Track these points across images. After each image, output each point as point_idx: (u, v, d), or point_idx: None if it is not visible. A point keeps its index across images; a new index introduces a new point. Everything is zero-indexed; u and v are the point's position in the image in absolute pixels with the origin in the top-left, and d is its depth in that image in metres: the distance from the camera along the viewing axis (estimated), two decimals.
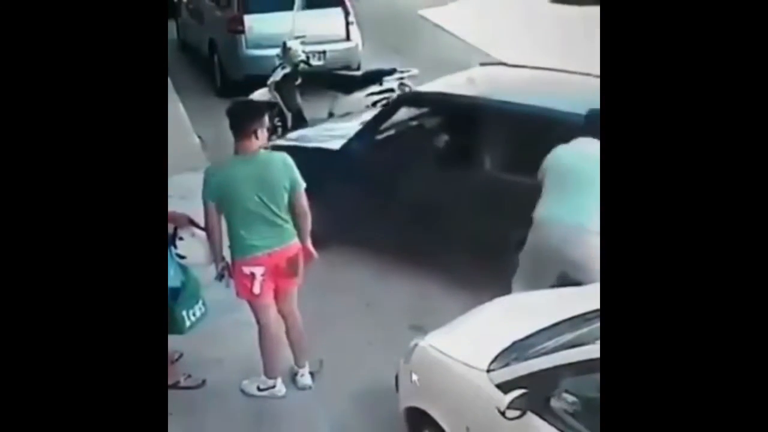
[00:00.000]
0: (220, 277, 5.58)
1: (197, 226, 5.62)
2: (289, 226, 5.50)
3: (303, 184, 5.47)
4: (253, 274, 5.45)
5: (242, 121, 5.39)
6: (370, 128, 7.62)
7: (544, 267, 5.80)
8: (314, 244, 5.66)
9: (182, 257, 5.59)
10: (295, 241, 5.54)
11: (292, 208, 5.47)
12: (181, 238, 5.58)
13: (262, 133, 5.46)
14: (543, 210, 5.81)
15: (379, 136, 7.64)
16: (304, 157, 5.69)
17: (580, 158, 5.63)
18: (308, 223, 5.57)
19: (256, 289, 5.48)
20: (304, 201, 5.49)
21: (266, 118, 5.64)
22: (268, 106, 9.05)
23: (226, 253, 5.56)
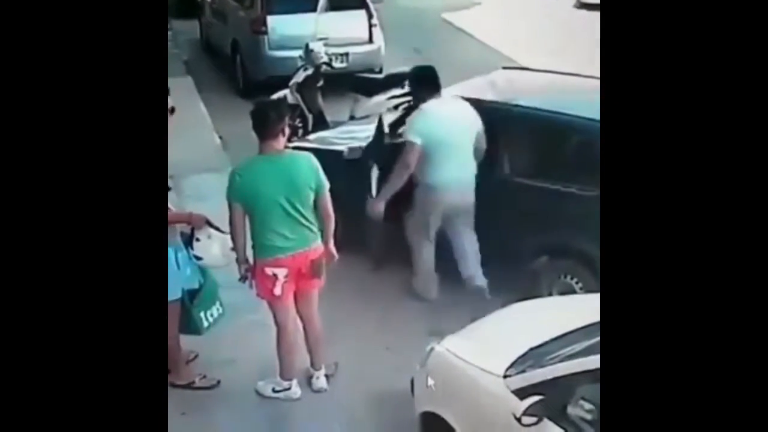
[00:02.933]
0: (243, 278, 5.57)
1: (214, 227, 5.62)
2: (314, 228, 5.48)
3: (327, 185, 5.46)
4: (275, 276, 5.43)
5: (269, 120, 5.37)
6: (390, 131, 7.59)
7: (437, 219, 6.71)
8: (334, 246, 5.66)
9: (199, 258, 5.59)
10: (318, 244, 5.53)
11: (317, 209, 5.47)
12: (197, 240, 5.58)
13: (286, 132, 5.46)
14: (437, 175, 6.56)
15: (399, 140, 7.60)
16: (324, 159, 5.67)
17: (441, 124, 6.54)
18: (332, 224, 5.57)
19: (278, 291, 5.47)
20: (328, 202, 5.49)
21: (288, 117, 5.66)
22: (289, 106, 9.04)
23: (249, 253, 5.56)
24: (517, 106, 6.89)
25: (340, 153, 7.58)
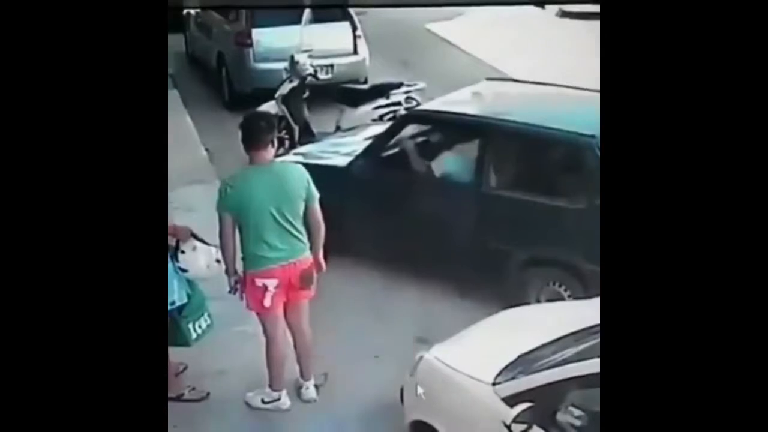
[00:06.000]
0: (233, 290, 5.57)
1: (199, 239, 5.62)
2: (303, 238, 5.49)
3: (317, 195, 5.48)
4: (265, 287, 5.43)
5: (260, 130, 5.40)
6: (376, 145, 7.64)
7: None
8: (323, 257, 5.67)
9: (184, 270, 5.58)
10: (308, 254, 5.53)
11: (307, 219, 5.48)
12: (183, 252, 5.57)
13: (275, 143, 5.49)
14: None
15: (386, 153, 7.65)
16: (312, 173, 5.69)
17: None
18: (322, 235, 5.57)
19: (267, 302, 5.47)
20: (319, 212, 5.51)
21: (276, 128, 5.69)
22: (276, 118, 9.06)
23: (239, 265, 5.56)
24: (501, 119, 6.94)
25: (327, 167, 7.60)
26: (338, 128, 9.86)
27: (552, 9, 18.77)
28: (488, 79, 8.62)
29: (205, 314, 5.74)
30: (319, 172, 6.40)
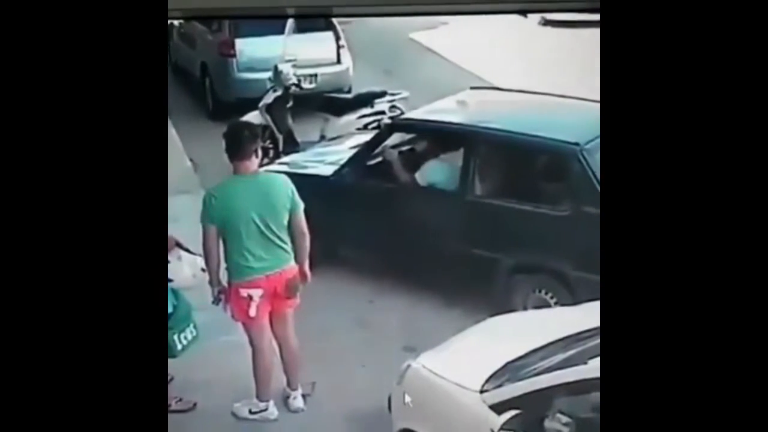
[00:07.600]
0: (217, 300, 5.56)
1: (184, 248, 5.61)
2: (288, 248, 5.49)
3: (302, 205, 5.48)
4: (250, 297, 5.43)
5: (243, 140, 5.41)
6: (361, 154, 7.66)
7: None
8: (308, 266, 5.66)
9: (169, 280, 5.56)
10: (293, 264, 5.53)
11: (292, 229, 5.47)
12: (168, 262, 5.55)
13: (259, 153, 5.49)
14: None
15: (371, 162, 7.67)
16: (297, 182, 5.69)
17: None
18: (307, 244, 5.56)
19: (252, 312, 5.46)
20: (303, 221, 5.50)
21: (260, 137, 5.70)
22: (260, 128, 9.07)
23: (223, 276, 5.54)
24: (486, 127, 6.99)
25: (313, 176, 7.60)
26: (322, 137, 9.88)
27: (534, 18, 18.85)
28: (472, 87, 8.67)
29: (191, 325, 5.71)
30: (304, 182, 6.42)
